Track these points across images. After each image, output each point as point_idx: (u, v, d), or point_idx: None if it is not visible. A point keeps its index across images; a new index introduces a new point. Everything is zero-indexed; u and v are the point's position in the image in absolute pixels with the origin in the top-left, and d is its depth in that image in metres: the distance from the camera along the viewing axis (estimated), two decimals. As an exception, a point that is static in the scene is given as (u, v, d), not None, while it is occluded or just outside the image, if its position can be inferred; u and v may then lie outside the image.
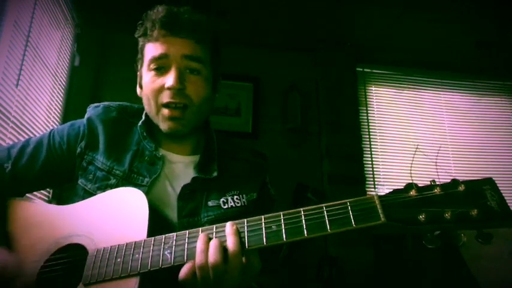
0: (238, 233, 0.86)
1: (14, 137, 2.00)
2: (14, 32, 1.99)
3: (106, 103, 1.28)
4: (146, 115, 1.24)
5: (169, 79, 1.11)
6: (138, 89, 1.27)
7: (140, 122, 1.23)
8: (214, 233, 0.88)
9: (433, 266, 2.89)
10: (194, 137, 1.26)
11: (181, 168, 1.21)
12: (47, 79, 2.46)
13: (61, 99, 2.70)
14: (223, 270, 0.83)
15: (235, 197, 1.18)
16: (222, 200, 1.16)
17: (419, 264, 2.90)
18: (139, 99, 1.25)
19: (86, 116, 1.24)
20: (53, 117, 2.56)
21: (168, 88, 1.11)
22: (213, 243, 0.85)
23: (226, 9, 3.12)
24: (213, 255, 0.83)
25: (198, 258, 0.84)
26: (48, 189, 2.34)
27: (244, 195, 1.20)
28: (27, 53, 2.13)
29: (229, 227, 0.87)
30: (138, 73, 1.26)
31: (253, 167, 1.29)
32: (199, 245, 0.85)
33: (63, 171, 1.19)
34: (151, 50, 1.16)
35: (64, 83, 2.76)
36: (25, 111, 2.16)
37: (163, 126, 1.15)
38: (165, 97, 1.12)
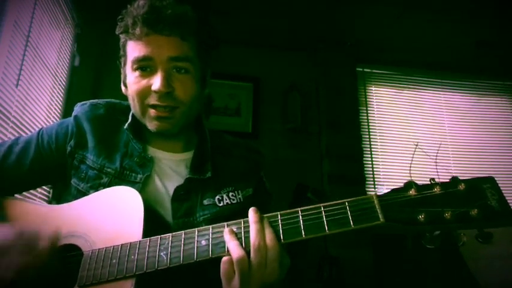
0: (272, 225, 0.86)
1: (14, 137, 1.99)
2: (14, 32, 1.98)
3: (94, 100, 1.24)
4: (133, 115, 1.20)
5: (156, 82, 1.06)
6: (122, 87, 1.22)
7: (126, 124, 1.19)
8: (210, 234, 0.87)
9: (433, 266, 2.89)
10: (185, 135, 1.23)
11: (172, 166, 1.18)
12: (47, 79, 2.46)
13: (61, 99, 2.70)
14: (277, 253, 0.83)
15: (230, 193, 1.16)
16: (217, 197, 1.14)
17: (419, 264, 2.90)
18: None
19: (73, 114, 1.21)
20: (53, 117, 2.56)
21: (155, 92, 1.06)
22: (268, 227, 0.85)
23: (226, 9, 3.12)
24: (270, 236, 0.83)
25: (257, 239, 0.83)
26: (48, 190, 2.34)
27: (239, 192, 1.18)
28: (27, 53, 2.13)
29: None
30: (121, 70, 1.20)
31: (248, 163, 1.27)
32: (257, 226, 0.85)
33: (52, 170, 1.17)
34: (134, 49, 1.09)
35: (64, 83, 2.75)
36: (25, 111, 2.15)
37: (151, 126, 1.11)
38: (152, 99, 1.08)
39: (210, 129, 1.30)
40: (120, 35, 1.15)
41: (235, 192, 1.17)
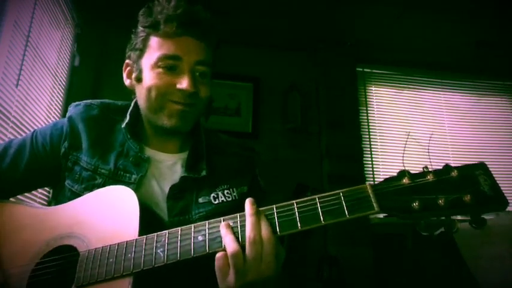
0: (268, 218, 0.85)
1: (14, 137, 2.00)
2: (14, 32, 1.99)
3: (88, 101, 1.25)
4: (131, 114, 1.21)
5: (184, 82, 1.08)
6: (127, 80, 1.22)
7: (124, 123, 1.19)
8: (207, 229, 0.87)
9: (433, 265, 2.89)
10: (183, 135, 1.24)
11: (168, 166, 1.19)
12: (47, 79, 2.46)
13: (61, 99, 2.71)
14: (273, 246, 0.82)
15: (225, 191, 1.17)
16: (212, 195, 1.15)
17: (419, 264, 2.90)
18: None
19: (67, 115, 1.22)
20: (53, 117, 2.56)
21: (182, 90, 1.08)
22: (264, 220, 0.85)
23: (226, 9, 3.13)
24: (265, 229, 0.83)
25: (252, 232, 0.83)
26: (48, 190, 2.34)
27: (234, 189, 1.19)
28: (27, 53, 2.14)
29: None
30: (130, 62, 1.21)
31: (242, 161, 1.28)
32: (253, 219, 0.84)
33: (47, 171, 1.18)
34: (162, 46, 1.11)
35: (64, 83, 2.76)
36: (25, 111, 2.16)
37: (169, 121, 1.12)
38: (176, 97, 1.10)
39: (205, 128, 1.31)
40: (142, 28, 1.15)
41: (230, 190, 1.18)
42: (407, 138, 3.10)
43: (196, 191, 1.14)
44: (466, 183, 0.75)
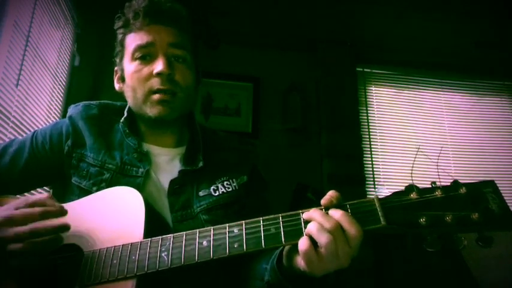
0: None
1: (14, 137, 1.99)
2: (14, 32, 1.98)
3: (86, 102, 1.29)
4: (128, 111, 1.25)
5: (159, 65, 1.12)
6: (116, 85, 1.27)
7: (122, 118, 1.23)
8: (212, 235, 0.87)
9: (433, 265, 2.89)
10: (177, 129, 1.27)
11: (166, 161, 1.21)
12: (47, 79, 2.45)
13: (61, 99, 2.69)
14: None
15: (225, 182, 1.19)
16: (212, 188, 1.16)
17: (419, 264, 2.90)
18: None
19: (67, 115, 1.25)
20: (53, 117, 2.55)
21: (158, 73, 1.12)
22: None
23: (226, 9, 3.12)
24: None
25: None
26: (48, 190, 2.32)
27: (234, 180, 1.21)
28: (27, 53, 2.12)
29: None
30: (116, 68, 1.26)
31: (241, 154, 1.31)
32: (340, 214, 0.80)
33: (47, 171, 1.20)
34: (135, 39, 1.17)
35: (64, 83, 2.75)
36: (25, 111, 2.15)
37: (153, 111, 1.14)
38: (155, 84, 1.13)
39: (203, 126, 1.34)
40: (118, 32, 1.22)
41: (230, 180, 1.20)
42: (417, 153, 3.08)
43: (196, 185, 1.16)
44: (474, 200, 0.75)
